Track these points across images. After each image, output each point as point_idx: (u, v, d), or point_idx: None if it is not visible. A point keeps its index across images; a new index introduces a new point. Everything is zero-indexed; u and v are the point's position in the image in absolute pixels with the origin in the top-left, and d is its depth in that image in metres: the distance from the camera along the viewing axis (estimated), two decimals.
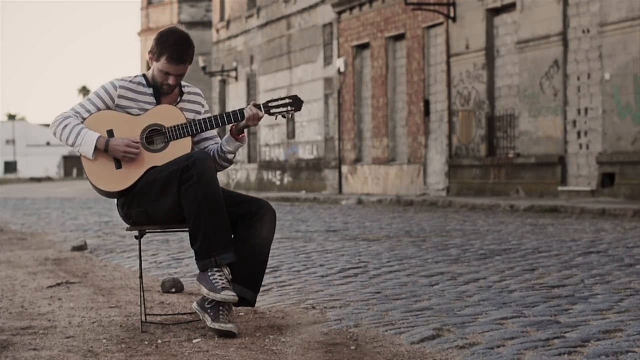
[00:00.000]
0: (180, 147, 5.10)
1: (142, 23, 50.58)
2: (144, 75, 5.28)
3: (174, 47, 5.11)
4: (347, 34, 29.38)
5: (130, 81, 5.23)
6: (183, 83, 5.34)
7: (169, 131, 5.11)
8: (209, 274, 4.93)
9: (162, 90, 5.21)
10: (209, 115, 5.32)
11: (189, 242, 5.07)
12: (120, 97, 5.19)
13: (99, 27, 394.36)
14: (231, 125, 5.25)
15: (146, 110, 5.18)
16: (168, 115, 5.14)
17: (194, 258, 5.05)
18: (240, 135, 5.23)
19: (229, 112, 5.16)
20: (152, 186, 5.05)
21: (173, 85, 5.19)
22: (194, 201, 4.91)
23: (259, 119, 5.16)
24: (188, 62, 5.16)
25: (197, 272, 5.05)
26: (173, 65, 5.12)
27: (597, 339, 4.32)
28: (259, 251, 5.09)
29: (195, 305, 5.01)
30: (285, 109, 5.22)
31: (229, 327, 4.85)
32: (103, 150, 5.10)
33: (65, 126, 5.13)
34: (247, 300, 5.07)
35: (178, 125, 5.11)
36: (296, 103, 5.24)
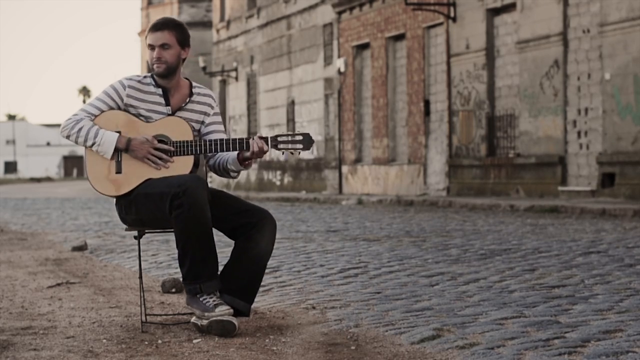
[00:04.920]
0: (181, 165, 5.07)
1: (142, 23, 50.60)
2: (153, 76, 5.24)
3: (154, 22, 5.22)
4: (347, 34, 29.38)
5: (139, 81, 5.19)
6: (194, 84, 5.30)
7: (174, 145, 5.08)
8: (197, 295, 4.97)
9: (154, 72, 5.16)
10: (217, 116, 5.29)
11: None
12: (128, 96, 5.15)
13: (99, 27, 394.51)
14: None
15: (154, 110, 5.15)
16: (176, 129, 5.09)
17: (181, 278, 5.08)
18: (246, 162, 5.17)
19: (235, 139, 5.07)
20: (145, 199, 5.04)
21: (161, 60, 5.09)
22: (184, 229, 4.90)
23: (264, 152, 5.06)
24: (166, 30, 5.11)
25: None
26: (151, 34, 5.12)
27: (597, 339, 4.32)
28: (257, 262, 5.08)
29: (193, 319, 5.05)
30: (292, 146, 5.09)
31: (229, 318, 4.88)
32: (123, 149, 5.08)
33: (81, 128, 5.10)
34: (239, 310, 5.07)
35: (184, 142, 5.07)
36: (306, 142, 5.10)
